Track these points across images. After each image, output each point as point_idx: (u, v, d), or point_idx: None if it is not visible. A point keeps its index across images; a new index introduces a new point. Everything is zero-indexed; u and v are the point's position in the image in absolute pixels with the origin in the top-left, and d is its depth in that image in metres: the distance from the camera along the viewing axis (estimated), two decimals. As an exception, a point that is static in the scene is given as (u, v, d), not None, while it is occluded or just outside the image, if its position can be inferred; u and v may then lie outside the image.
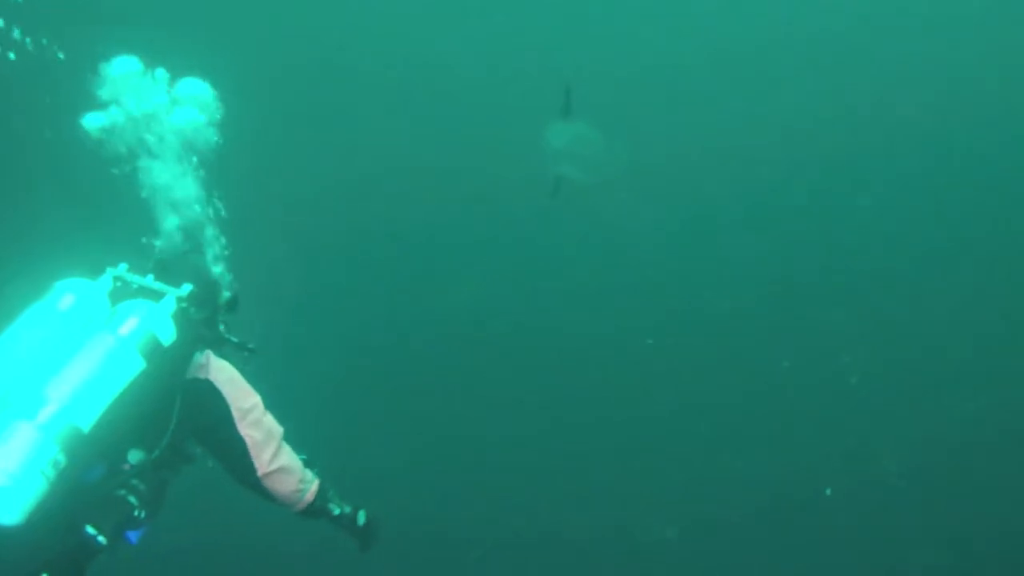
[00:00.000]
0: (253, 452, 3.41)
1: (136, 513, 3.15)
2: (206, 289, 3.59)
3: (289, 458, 3.52)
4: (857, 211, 9.43)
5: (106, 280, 3.43)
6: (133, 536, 3.22)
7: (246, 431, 3.42)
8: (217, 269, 3.84)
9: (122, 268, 3.49)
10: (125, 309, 3.27)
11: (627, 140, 7.99)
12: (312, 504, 3.61)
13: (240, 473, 3.46)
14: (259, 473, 3.43)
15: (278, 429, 3.53)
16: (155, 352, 3.18)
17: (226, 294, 3.74)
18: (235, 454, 3.42)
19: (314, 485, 3.61)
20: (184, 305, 3.41)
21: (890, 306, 9.21)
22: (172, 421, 3.27)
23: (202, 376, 3.43)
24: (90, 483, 3.07)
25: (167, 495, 3.36)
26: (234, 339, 3.72)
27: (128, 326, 3.18)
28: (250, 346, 3.74)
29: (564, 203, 8.01)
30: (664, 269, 9.30)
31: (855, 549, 8.34)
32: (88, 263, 3.50)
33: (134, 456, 3.18)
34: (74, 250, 3.56)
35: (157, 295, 3.41)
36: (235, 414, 3.41)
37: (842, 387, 9.07)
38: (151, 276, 3.51)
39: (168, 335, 3.24)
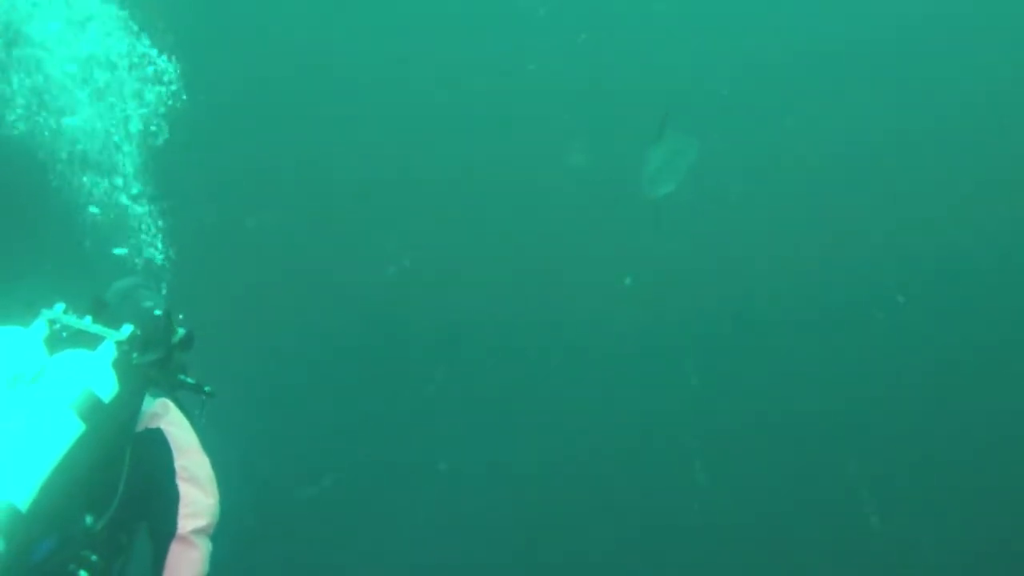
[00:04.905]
0: (182, 509, 3.05)
1: None
2: (154, 328, 3.27)
3: (207, 548, 3.09)
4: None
5: (40, 325, 3.13)
6: None
7: (185, 487, 3.08)
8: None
9: (58, 309, 3.18)
10: (59, 362, 2.97)
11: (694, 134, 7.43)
12: None
13: (156, 524, 3.07)
14: (177, 532, 3.03)
15: (216, 510, 3.13)
16: (94, 410, 2.88)
17: (180, 331, 3.41)
18: (162, 504, 3.05)
19: None
20: (126, 350, 3.10)
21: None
22: (122, 480, 2.98)
23: (153, 426, 3.12)
24: (38, 561, 2.77)
25: (130, 556, 3.08)
26: (191, 380, 3.44)
27: (62, 383, 2.88)
28: (207, 389, 3.46)
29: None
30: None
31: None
32: (20, 303, 3.18)
33: (87, 520, 2.90)
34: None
35: (95, 341, 3.10)
36: (177, 468, 3.08)
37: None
38: (89, 318, 3.19)
39: (108, 389, 2.95)
